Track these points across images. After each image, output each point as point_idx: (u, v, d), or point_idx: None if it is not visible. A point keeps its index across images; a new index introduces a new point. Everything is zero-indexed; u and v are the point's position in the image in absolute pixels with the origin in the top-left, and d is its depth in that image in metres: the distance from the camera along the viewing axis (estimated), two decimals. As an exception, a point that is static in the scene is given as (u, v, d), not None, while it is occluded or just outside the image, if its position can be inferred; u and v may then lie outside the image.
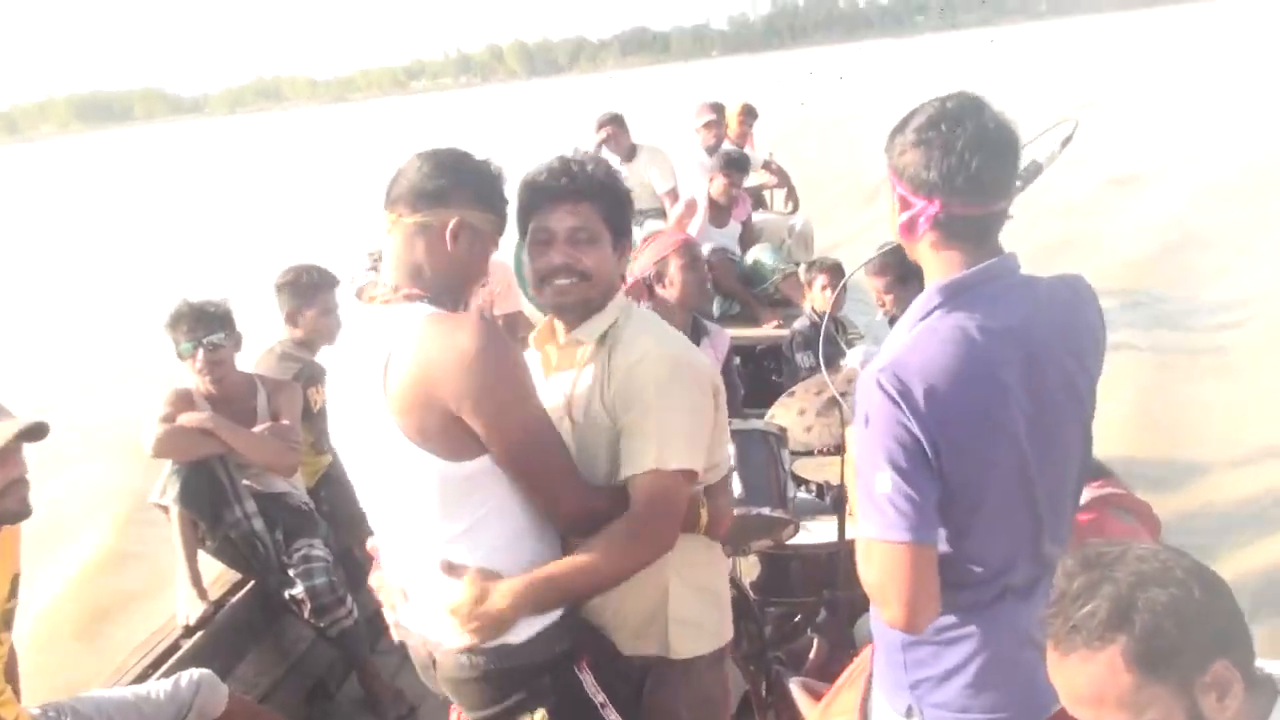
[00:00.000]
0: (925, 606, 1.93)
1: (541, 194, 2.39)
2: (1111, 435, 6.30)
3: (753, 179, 8.96)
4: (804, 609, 4.14)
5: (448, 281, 2.26)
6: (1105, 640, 1.51)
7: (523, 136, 30.66)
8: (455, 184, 2.25)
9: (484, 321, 2.18)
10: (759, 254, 7.52)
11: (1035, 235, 12.18)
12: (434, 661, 2.30)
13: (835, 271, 5.72)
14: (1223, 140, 19.14)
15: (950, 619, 2.05)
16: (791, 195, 9.25)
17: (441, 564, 2.17)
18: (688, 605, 2.46)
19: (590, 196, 2.39)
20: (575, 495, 2.25)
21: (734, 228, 7.59)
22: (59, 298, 18.09)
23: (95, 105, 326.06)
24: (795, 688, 3.47)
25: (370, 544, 2.51)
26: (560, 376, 2.44)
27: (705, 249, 7.01)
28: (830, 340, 5.57)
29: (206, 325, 3.99)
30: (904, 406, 1.86)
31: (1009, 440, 1.95)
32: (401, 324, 2.13)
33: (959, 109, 1.93)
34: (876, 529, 1.90)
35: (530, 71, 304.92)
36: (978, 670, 2.07)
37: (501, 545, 2.21)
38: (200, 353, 3.98)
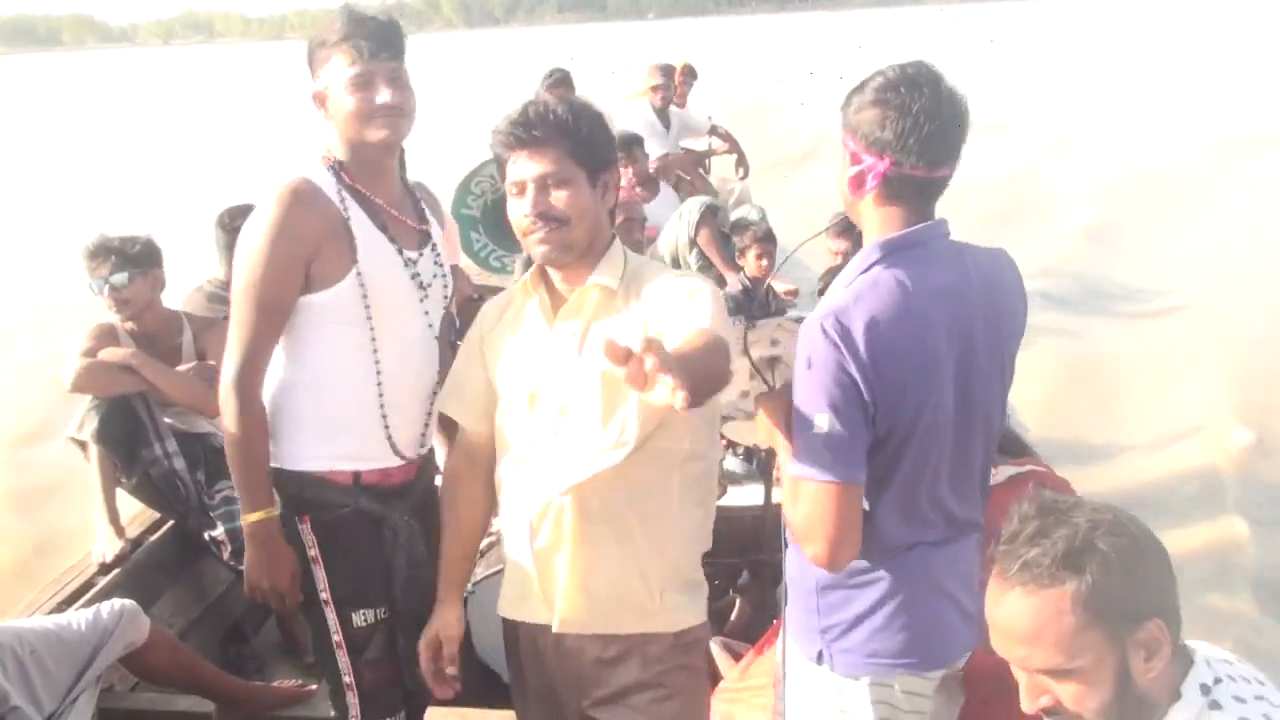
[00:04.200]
0: (848, 545, 2.04)
1: (504, 145, 2.37)
2: (1033, 413, 6.42)
3: (701, 144, 8.84)
4: (727, 570, 4.19)
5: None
6: (1055, 580, 1.54)
7: (468, 85, 30.16)
8: None
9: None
10: (743, 214, 7.21)
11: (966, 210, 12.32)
12: None
13: (766, 239, 5.73)
14: (1142, 128, 19.49)
15: (863, 564, 2.14)
16: (742, 161, 8.92)
17: None
18: (681, 585, 2.51)
19: (552, 139, 2.33)
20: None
21: (667, 193, 7.29)
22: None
23: (20, 28, 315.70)
24: (715, 647, 3.51)
25: None
26: (570, 324, 2.41)
27: (698, 203, 6.91)
28: (762, 304, 5.60)
29: (115, 263, 3.90)
30: (845, 351, 1.95)
31: (937, 394, 2.05)
32: None
33: (918, 75, 2.03)
34: (811, 468, 2.00)
35: (467, 22, 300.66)
36: (887, 615, 2.16)
37: None
38: (106, 290, 3.91)
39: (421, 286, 2.65)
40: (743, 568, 4.10)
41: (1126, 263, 10.91)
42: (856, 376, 1.96)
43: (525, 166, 2.33)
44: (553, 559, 2.43)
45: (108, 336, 3.97)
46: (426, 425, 2.72)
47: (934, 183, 2.06)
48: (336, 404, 2.57)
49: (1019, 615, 1.57)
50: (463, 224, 5.58)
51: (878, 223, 2.10)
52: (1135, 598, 1.56)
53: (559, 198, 2.33)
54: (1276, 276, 9.93)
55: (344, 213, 2.53)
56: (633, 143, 6.89)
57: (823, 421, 1.97)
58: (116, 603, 3.21)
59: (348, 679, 2.63)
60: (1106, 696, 1.57)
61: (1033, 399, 5.94)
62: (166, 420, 4.04)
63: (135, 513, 4.21)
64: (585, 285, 2.40)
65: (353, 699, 2.64)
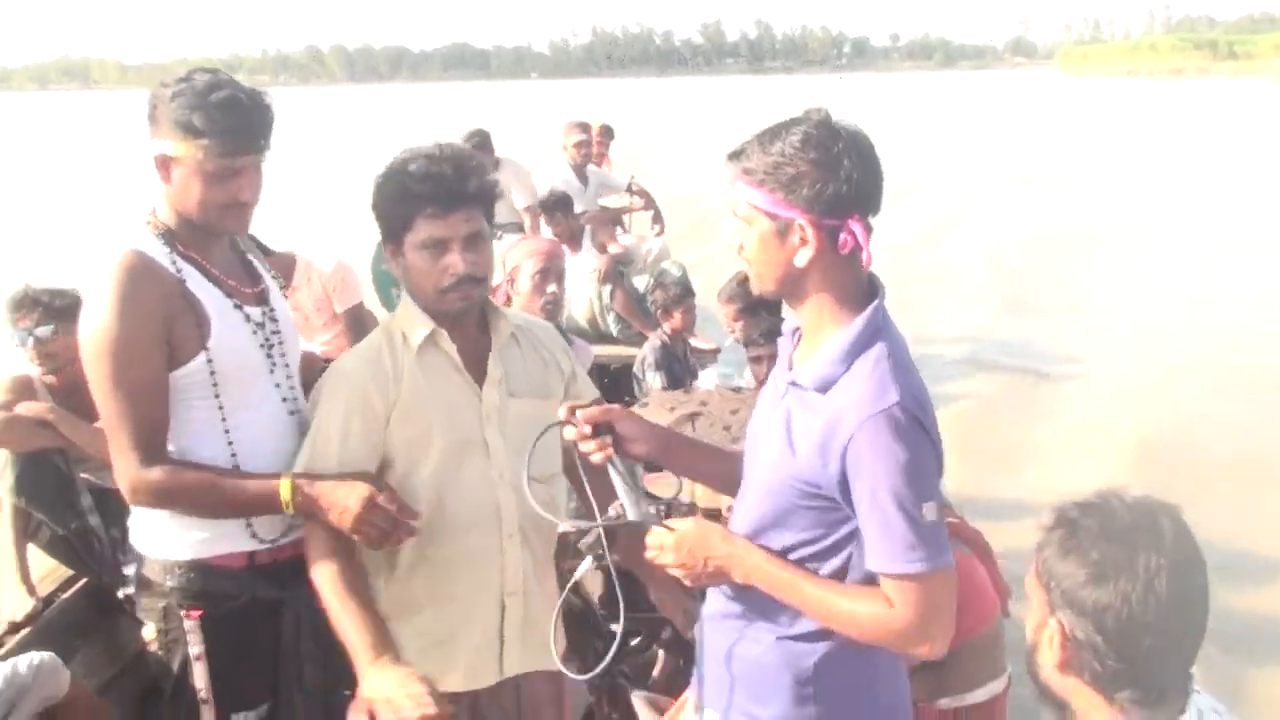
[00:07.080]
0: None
1: (423, 199, 2.34)
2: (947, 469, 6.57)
3: (617, 201, 9.00)
4: (649, 625, 4.19)
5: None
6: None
7: (353, 138, 29.68)
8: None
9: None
10: (663, 271, 7.36)
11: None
12: None
13: (686, 294, 5.85)
14: (1031, 197, 20.25)
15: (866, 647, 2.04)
16: (658, 218, 9.12)
17: None
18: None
19: (478, 199, 2.40)
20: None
21: (588, 251, 7.36)
22: None
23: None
24: (638, 702, 3.52)
25: None
26: (498, 370, 2.51)
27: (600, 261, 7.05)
28: (681, 361, 5.69)
29: (40, 316, 3.82)
30: (930, 435, 1.90)
31: None
32: None
33: (829, 124, 1.92)
34: (927, 562, 1.87)
35: (350, 77, 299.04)
36: (887, 689, 2.18)
37: None
38: (30, 342, 3.82)
39: (269, 351, 2.57)
40: (666, 622, 4.12)
41: (1032, 331, 11.35)
42: (937, 458, 1.92)
43: (451, 225, 2.34)
44: (510, 601, 2.52)
45: (25, 389, 3.87)
46: None
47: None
48: None
49: None
50: (383, 280, 5.61)
51: (848, 284, 1.97)
52: None
53: (483, 256, 2.42)
54: (1167, 342, 10.57)
55: (184, 282, 2.42)
56: (560, 204, 7.05)
57: (931, 510, 1.87)
58: (35, 656, 3.10)
59: None
60: None
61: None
62: (82, 475, 3.94)
63: (46, 570, 4.07)
64: (501, 330, 2.53)
65: None
